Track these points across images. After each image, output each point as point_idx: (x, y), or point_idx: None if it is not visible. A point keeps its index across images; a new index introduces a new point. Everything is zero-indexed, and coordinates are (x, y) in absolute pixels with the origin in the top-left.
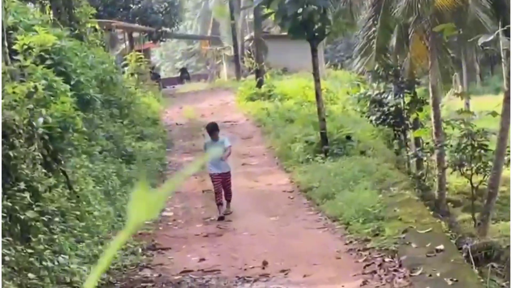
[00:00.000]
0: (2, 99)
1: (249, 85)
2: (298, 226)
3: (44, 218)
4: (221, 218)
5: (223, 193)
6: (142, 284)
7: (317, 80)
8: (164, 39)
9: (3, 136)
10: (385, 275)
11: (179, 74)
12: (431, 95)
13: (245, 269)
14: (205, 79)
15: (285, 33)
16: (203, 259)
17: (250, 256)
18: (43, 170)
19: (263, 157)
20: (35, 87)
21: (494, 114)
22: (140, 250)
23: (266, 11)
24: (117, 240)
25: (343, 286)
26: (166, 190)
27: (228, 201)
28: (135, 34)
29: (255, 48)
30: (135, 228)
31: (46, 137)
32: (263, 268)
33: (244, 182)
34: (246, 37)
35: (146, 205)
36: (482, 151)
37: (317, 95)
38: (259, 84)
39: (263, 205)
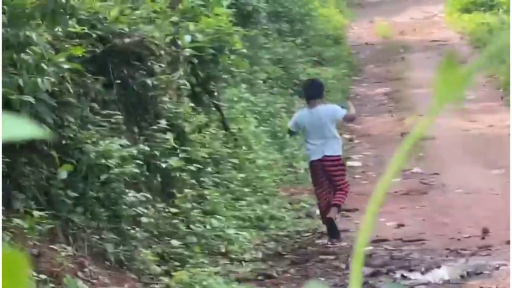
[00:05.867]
0: (137, 9)
1: None
2: None
3: (192, 167)
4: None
5: (327, 189)
6: (320, 257)
7: None
8: None
9: (139, 60)
10: None
11: None
12: None
13: (459, 239)
14: None
15: None
16: (401, 225)
17: (465, 222)
18: (191, 104)
19: (483, 89)
20: None
21: None
22: (318, 212)
23: None
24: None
25: None
26: (477, 64)
27: (335, 205)
28: None
29: None
30: (435, 115)
31: (195, 60)
32: (483, 238)
33: (456, 122)
34: None
35: (453, 82)
36: None
37: None
38: None
39: (483, 153)
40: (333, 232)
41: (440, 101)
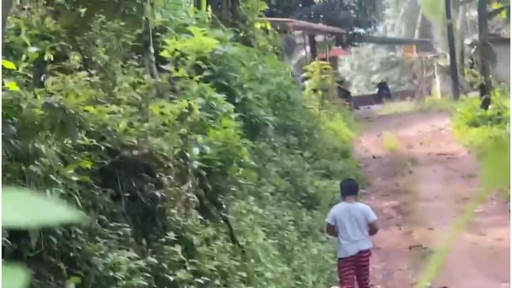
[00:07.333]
0: (146, 122)
1: (471, 105)
2: None
3: (200, 280)
4: None
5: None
6: None
7: None
8: (356, 44)
9: (147, 172)
10: None
11: (376, 91)
12: None
13: None
14: (411, 97)
15: None
16: None
17: None
18: (199, 217)
19: (491, 203)
20: (189, 107)
21: None
22: None
23: (494, 6)
24: (470, 207)
25: None
26: None
27: None
28: (318, 38)
29: (479, 56)
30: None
31: (203, 173)
32: None
33: (465, 235)
34: (467, 42)
35: (502, 166)
36: None
37: None
38: (485, 104)
39: (492, 267)
40: None
41: (489, 184)
